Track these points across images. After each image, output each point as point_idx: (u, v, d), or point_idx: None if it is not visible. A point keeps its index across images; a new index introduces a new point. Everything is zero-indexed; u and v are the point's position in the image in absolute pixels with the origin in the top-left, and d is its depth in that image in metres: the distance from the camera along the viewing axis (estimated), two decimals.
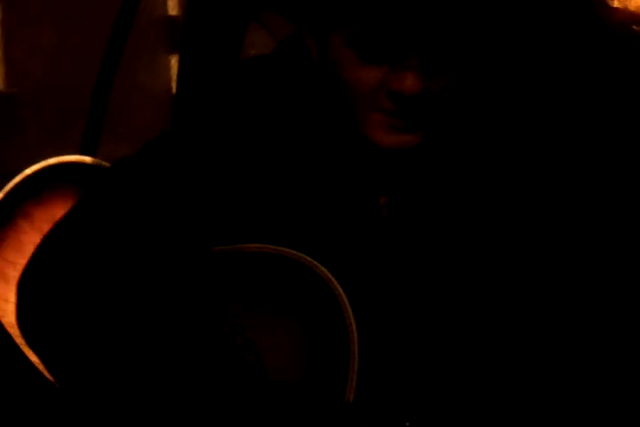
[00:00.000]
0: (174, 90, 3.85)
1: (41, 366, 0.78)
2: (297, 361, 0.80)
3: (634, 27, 0.97)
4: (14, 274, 0.87)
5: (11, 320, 0.78)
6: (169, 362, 0.79)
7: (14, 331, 0.77)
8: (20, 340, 0.78)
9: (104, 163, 1.09)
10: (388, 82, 0.84)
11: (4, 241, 1.07)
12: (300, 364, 0.80)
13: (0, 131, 3.67)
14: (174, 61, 4.09)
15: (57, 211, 0.91)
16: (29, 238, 0.93)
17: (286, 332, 0.82)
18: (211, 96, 0.94)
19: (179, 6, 4.35)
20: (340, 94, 0.87)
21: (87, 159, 1.18)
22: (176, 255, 0.86)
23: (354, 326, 0.81)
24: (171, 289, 0.83)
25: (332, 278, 0.81)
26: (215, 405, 0.76)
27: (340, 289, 0.82)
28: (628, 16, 0.98)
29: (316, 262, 0.83)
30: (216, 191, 0.90)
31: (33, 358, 0.77)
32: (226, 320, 0.82)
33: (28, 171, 1.16)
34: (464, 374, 0.84)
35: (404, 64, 0.84)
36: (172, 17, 4.41)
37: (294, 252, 0.84)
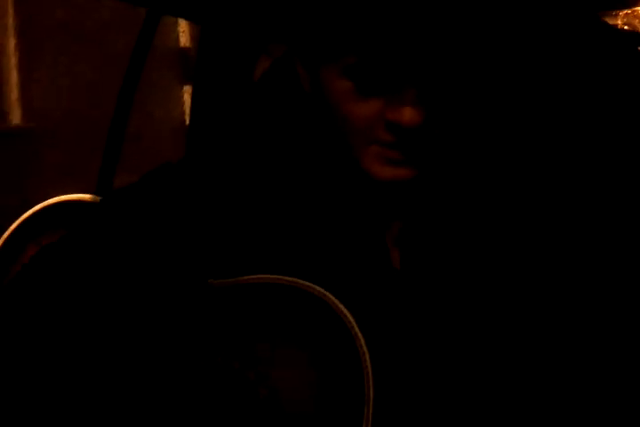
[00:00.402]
0: (187, 121, 3.89)
1: None
2: (311, 394, 0.78)
3: (639, 47, 0.97)
4: None
5: None
6: (179, 404, 0.77)
7: None
8: None
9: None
10: (385, 113, 0.81)
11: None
12: (314, 397, 0.77)
13: (18, 166, 3.70)
14: (187, 93, 4.14)
15: None
16: None
17: (299, 365, 0.78)
18: (222, 127, 0.93)
19: (191, 39, 4.40)
20: (335, 126, 0.84)
21: (87, 197, 1.17)
22: (172, 290, 0.81)
23: (367, 357, 0.78)
24: (169, 327, 0.79)
25: (344, 310, 0.79)
26: None
27: (353, 320, 0.79)
28: (632, 36, 0.98)
29: (326, 293, 0.80)
30: (217, 224, 0.85)
31: None
32: (235, 355, 0.79)
33: (32, 210, 1.15)
34: (483, 418, 0.82)
35: (402, 95, 0.80)
36: (184, 49, 4.47)
37: (305, 282, 0.79)
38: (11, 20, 3.70)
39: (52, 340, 0.76)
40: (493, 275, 0.85)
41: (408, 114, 0.80)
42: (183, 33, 4.43)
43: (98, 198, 1.06)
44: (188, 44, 4.49)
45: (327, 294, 0.79)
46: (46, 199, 1.14)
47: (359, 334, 0.78)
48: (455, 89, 0.81)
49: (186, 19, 2.98)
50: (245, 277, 0.82)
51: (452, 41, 0.79)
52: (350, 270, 0.85)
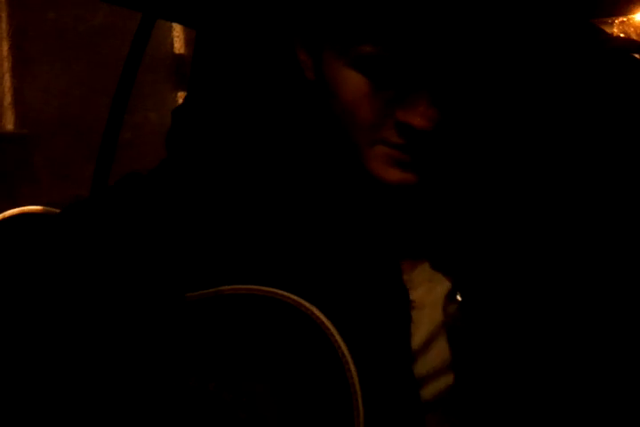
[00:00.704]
0: None
1: None
2: (294, 414, 0.71)
3: (634, 54, 0.96)
4: None
5: None
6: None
7: None
8: None
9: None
10: (395, 113, 0.73)
11: None
12: (297, 416, 0.71)
13: (11, 171, 3.69)
14: (181, 100, 4.12)
15: None
16: None
17: (279, 382, 0.71)
18: (207, 130, 0.87)
19: (185, 45, 4.40)
20: (338, 121, 0.75)
21: (37, 208, 1.11)
22: (146, 306, 0.74)
23: (353, 369, 0.73)
24: (141, 346, 0.71)
25: (328, 324, 0.73)
26: None
27: (337, 335, 0.71)
28: (627, 43, 0.97)
29: (304, 302, 0.71)
30: (199, 231, 0.78)
31: None
32: (210, 375, 0.72)
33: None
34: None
35: (415, 95, 0.72)
36: (178, 55, 4.46)
37: (287, 294, 0.72)
38: (4, 25, 3.68)
39: (14, 366, 0.71)
40: (506, 281, 0.82)
41: (421, 116, 0.72)
42: (178, 39, 4.42)
43: (52, 210, 0.99)
44: (182, 51, 4.48)
45: (305, 303, 0.72)
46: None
47: (343, 347, 0.71)
48: (469, 92, 0.74)
49: (181, 23, 2.97)
50: (221, 288, 0.74)
51: (470, 40, 0.73)
52: (345, 281, 0.80)
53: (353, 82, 0.74)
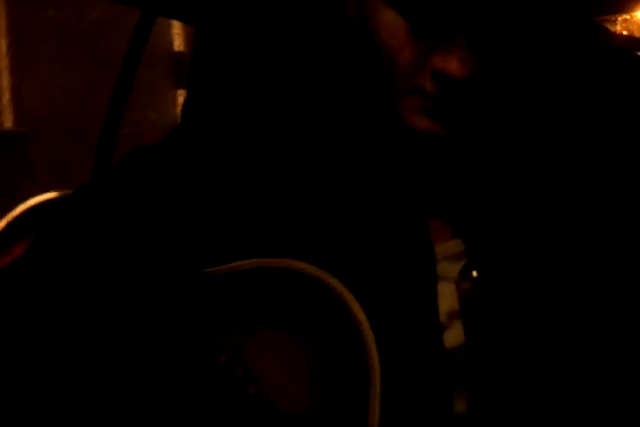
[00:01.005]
0: None
1: None
2: (308, 391, 0.71)
3: (637, 52, 0.96)
4: None
5: None
6: (163, 403, 0.72)
7: None
8: None
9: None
10: (432, 60, 0.75)
11: None
12: (311, 394, 0.71)
13: (9, 169, 3.68)
14: (181, 97, 4.12)
15: None
16: None
17: (294, 357, 0.72)
18: (218, 118, 0.87)
19: (185, 43, 4.38)
20: (377, 65, 0.76)
21: (52, 195, 1.12)
22: (164, 283, 0.75)
23: (373, 346, 0.73)
24: (159, 323, 0.73)
25: (349, 296, 0.73)
26: None
27: (355, 305, 0.73)
28: (630, 41, 0.97)
29: (328, 277, 0.74)
30: (215, 206, 0.80)
31: None
32: (221, 351, 0.74)
33: (15, 212, 1.10)
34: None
35: (452, 43, 0.74)
36: (178, 53, 4.45)
37: (305, 266, 0.74)
38: (2, 23, 3.67)
39: (38, 337, 0.73)
40: (523, 260, 0.82)
41: (456, 63, 0.74)
42: (177, 37, 4.42)
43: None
44: (182, 49, 4.47)
45: (325, 276, 0.72)
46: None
47: (364, 323, 0.71)
48: (503, 44, 0.75)
49: (181, 20, 2.96)
50: (238, 263, 0.75)
51: None
52: (370, 248, 0.79)
53: (392, 24, 0.75)
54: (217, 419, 0.72)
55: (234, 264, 0.77)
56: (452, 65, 0.74)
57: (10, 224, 1.08)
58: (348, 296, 0.72)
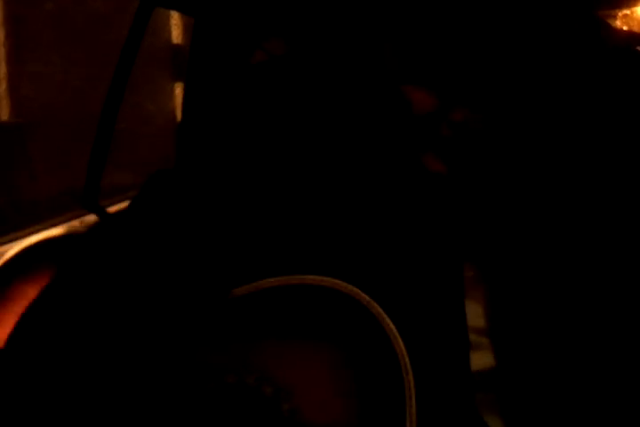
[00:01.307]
0: (178, 118, 3.88)
1: None
2: (342, 403, 0.71)
3: (637, 48, 0.96)
4: None
5: None
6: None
7: None
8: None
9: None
10: (452, 113, 0.81)
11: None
12: (345, 405, 0.71)
13: (6, 160, 3.67)
14: (179, 90, 4.12)
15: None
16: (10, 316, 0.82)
17: (322, 372, 0.71)
18: (215, 124, 0.88)
19: (183, 35, 4.37)
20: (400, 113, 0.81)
21: (73, 232, 1.11)
22: (191, 305, 0.76)
23: (409, 367, 0.72)
24: (186, 345, 0.73)
25: (379, 311, 0.72)
26: None
27: (387, 318, 0.72)
28: (630, 36, 0.97)
29: (360, 292, 0.73)
30: (231, 225, 0.80)
31: None
32: (249, 371, 0.72)
33: (14, 250, 1.09)
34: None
35: (467, 100, 0.81)
36: (176, 46, 4.44)
37: (333, 280, 0.72)
38: (0, 13, 3.66)
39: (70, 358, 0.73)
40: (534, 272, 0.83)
41: (472, 119, 0.81)
42: (176, 28, 4.41)
43: (79, 230, 0.98)
44: (180, 41, 4.47)
45: (354, 289, 0.71)
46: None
47: (398, 339, 0.70)
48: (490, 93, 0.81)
49: (179, 11, 2.95)
50: (265, 281, 0.75)
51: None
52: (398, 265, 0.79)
53: (421, 96, 0.80)
54: None
55: (258, 283, 0.75)
56: (470, 119, 0.80)
57: (7, 263, 1.07)
58: (378, 311, 0.71)
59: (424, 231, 0.83)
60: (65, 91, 3.81)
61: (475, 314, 0.82)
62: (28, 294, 1.02)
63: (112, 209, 1.46)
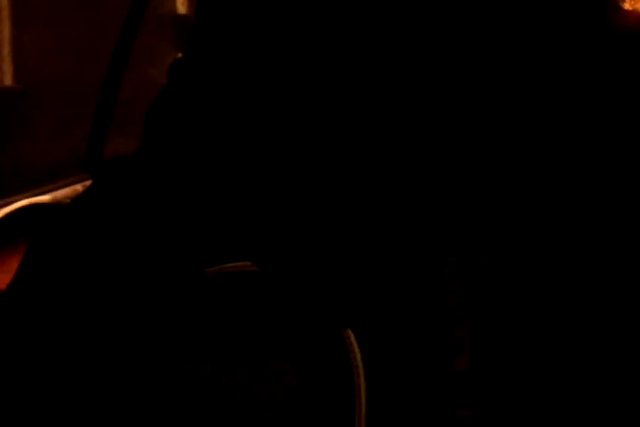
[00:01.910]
0: None
1: None
2: (293, 398, 0.72)
3: None
4: None
5: None
6: (150, 408, 0.72)
7: None
8: None
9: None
10: None
11: None
12: (296, 399, 0.72)
13: (8, 126, 3.66)
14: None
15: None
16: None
17: (279, 365, 0.72)
18: (215, 94, 0.85)
19: (187, 5, 4.35)
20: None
21: (46, 199, 1.10)
22: (163, 283, 0.75)
23: (359, 362, 0.73)
24: (155, 325, 0.73)
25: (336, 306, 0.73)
26: None
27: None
28: (638, 19, 0.96)
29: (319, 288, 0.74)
30: (209, 205, 0.78)
31: None
32: (207, 359, 0.73)
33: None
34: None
35: None
36: (180, 15, 4.42)
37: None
38: None
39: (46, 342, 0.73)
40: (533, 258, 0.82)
41: None
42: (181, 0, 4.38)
43: (60, 201, 0.97)
44: (184, 11, 4.44)
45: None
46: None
47: (350, 335, 0.72)
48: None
49: None
50: (232, 265, 0.75)
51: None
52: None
53: None
54: (201, 422, 0.72)
55: (229, 265, 0.76)
56: None
57: None
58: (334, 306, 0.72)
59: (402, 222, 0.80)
60: (67, 59, 3.79)
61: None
62: (6, 261, 1.02)
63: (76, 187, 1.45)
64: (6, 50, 3.76)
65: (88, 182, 1.20)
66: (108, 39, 1.86)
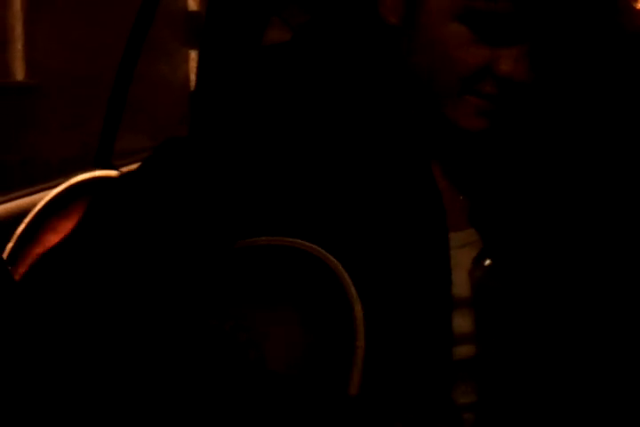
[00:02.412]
0: (193, 83, 3.88)
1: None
2: (300, 356, 0.78)
3: None
4: None
5: None
6: (167, 361, 0.76)
7: None
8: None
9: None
10: (498, 65, 0.79)
11: (30, 256, 1.06)
12: (302, 358, 0.78)
13: (20, 121, 3.68)
14: (194, 55, 4.12)
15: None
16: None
17: (290, 326, 0.78)
18: (230, 92, 0.89)
19: (199, 2, 4.36)
20: (428, 70, 0.81)
21: (113, 173, 1.17)
22: (199, 250, 0.83)
23: (361, 321, 0.78)
24: (174, 287, 0.79)
25: (343, 271, 0.78)
26: (215, 403, 0.75)
27: (350, 281, 0.78)
28: None
29: (326, 254, 0.79)
30: (237, 192, 0.84)
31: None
32: (229, 317, 0.79)
33: (57, 189, 1.14)
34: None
35: (516, 49, 0.78)
36: (192, 12, 4.43)
37: (306, 243, 0.79)
38: None
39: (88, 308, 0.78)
40: (538, 251, 0.83)
41: (522, 66, 0.79)
42: None
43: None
44: (196, 8, 4.46)
45: (316, 248, 0.79)
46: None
47: (354, 295, 0.77)
48: (565, 51, 0.80)
49: None
50: (259, 239, 0.82)
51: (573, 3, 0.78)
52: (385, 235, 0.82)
53: (458, 34, 0.78)
54: (219, 380, 0.77)
55: (249, 240, 0.82)
56: (519, 69, 0.78)
57: (55, 198, 1.12)
58: (342, 274, 0.78)
59: (414, 198, 0.83)
60: (79, 55, 3.81)
61: (460, 282, 0.83)
62: (61, 229, 1.06)
63: (124, 169, 1.49)
64: (18, 46, 3.78)
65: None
66: (120, 35, 1.87)
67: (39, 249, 1.06)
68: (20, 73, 3.83)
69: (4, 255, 1.07)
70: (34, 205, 1.11)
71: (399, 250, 0.81)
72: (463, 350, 0.81)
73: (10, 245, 1.07)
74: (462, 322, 0.81)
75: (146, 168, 0.83)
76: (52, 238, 1.07)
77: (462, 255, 0.83)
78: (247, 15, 1.58)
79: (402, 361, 0.78)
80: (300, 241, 0.78)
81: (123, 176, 0.86)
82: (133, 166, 0.92)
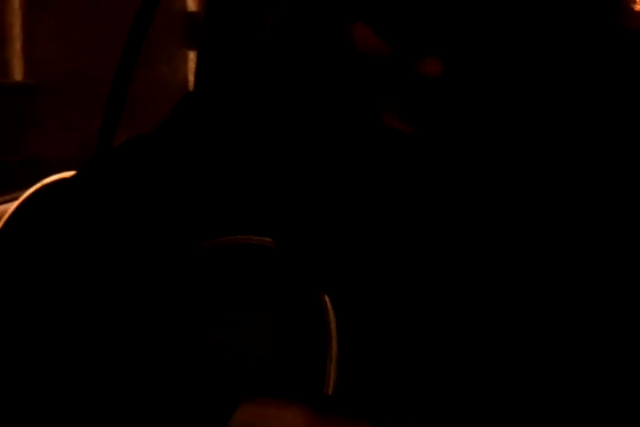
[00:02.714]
0: (191, 84, 3.88)
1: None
2: (273, 357, 0.79)
3: None
4: None
5: None
6: (134, 361, 0.77)
7: None
8: None
9: None
10: (412, 65, 0.80)
11: None
12: (276, 358, 0.79)
13: (19, 121, 3.69)
14: (192, 56, 4.12)
15: None
16: None
17: (263, 327, 0.80)
18: (226, 91, 0.89)
19: (198, 2, 4.37)
20: (354, 71, 0.81)
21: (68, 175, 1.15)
22: (155, 253, 0.83)
23: (332, 317, 0.79)
24: (146, 289, 0.80)
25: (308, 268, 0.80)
26: (192, 403, 0.76)
27: (316, 284, 0.79)
28: None
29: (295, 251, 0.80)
30: (210, 185, 0.84)
31: None
32: (203, 318, 0.80)
33: (28, 192, 1.13)
34: (451, 370, 0.81)
35: (428, 49, 0.79)
36: (191, 13, 4.44)
37: (270, 240, 0.80)
38: None
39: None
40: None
41: (433, 67, 0.80)
42: None
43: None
44: (195, 9, 4.46)
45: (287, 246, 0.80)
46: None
47: (327, 304, 0.79)
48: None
49: None
50: (222, 239, 0.82)
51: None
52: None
53: (371, 42, 0.78)
54: (197, 380, 0.77)
55: (215, 240, 0.82)
56: (430, 68, 0.79)
57: (24, 203, 1.11)
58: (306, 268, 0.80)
59: (377, 197, 0.84)
60: (78, 55, 3.81)
61: None
62: None
63: None
64: (17, 45, 3.78)
65: None
66: (119, 35, 1.87)
67: None
68: (18, 73, 3.84)
69: None
70: None
71: (369, 245, 0.81)
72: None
73: None
74: None
75: (102, 166, 0.83)
76: None
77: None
78: (246, 16, 1.58)
79: (379, 355, 0.78)
80: (266, 239, 0.78)
81: (78, 174, 0.85)
82: None
